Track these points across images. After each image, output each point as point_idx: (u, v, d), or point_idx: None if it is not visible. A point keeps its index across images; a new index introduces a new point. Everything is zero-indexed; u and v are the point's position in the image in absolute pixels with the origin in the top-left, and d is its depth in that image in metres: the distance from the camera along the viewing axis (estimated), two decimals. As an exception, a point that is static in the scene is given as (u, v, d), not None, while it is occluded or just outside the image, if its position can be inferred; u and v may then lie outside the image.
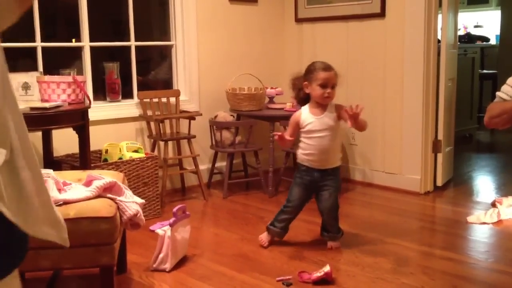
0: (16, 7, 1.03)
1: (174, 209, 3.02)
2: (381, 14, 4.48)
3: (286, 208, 3.31)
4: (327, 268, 2.79)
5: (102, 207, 2.34)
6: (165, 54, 5.01)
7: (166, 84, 4.84)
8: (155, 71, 5.36)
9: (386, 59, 4.50)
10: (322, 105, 3.20)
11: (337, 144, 3.30)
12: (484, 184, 4.94)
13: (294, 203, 3.29)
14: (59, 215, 1.09)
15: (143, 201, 2.70)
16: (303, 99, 3.28)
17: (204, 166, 4.67)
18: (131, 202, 2.57)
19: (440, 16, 4.36)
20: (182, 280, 2.89)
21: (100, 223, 2.28)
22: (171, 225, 2.97)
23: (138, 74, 4.51)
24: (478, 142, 6.79)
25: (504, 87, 2.94)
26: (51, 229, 1.07)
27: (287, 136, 3.24)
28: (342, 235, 3.35)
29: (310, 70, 3.21)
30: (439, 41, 4.39)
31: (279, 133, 3.20)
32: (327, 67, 3.19)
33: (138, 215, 2.57)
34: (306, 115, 3.22)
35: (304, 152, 3.24)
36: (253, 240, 3.40)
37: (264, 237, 3.34)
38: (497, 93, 2.98)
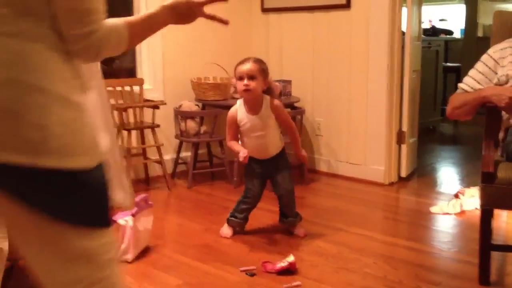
0: (125, 46, 1.36)
1: (136, 199, 2.97)
2: (346, 5, 4.47)
3: (245, 199, 3.31)
4: (291, 258, 2.78)
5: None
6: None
7: (131, 73, 4.76)
8: (120, 59, 5.27)
9: (351, 50, 4.50)
10: (253, 103, 3.17)
11: (275, 137, 3.27)
12: (447, 175, 4.99)
13: (252, 192, 3.28)
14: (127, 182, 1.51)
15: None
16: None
17: (168, 156, 4.62)
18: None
19: (404, 9, 4.37)
20: (144, 271, 2.85)
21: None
22: (133, 215, 2.92)
23: (102, 62, 4.40)
24: (442, 134, 6.88)
25: (466, 79, 2.97)
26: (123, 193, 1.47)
27: (237, 148, 3.18)
28: (301, 219, 3.37)
29: (235, 68, 3.23)
30: (403, 33, 4.41)
31: (245, 155, 3.12)
32: (243, 60, 3.18)
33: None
34: (241, 114, 3.20)
35: (246, 148, 3.20)
36: (217, 230, 3.37)
37: (225, 230, 3.32)
38: (459, 85, 3.01)
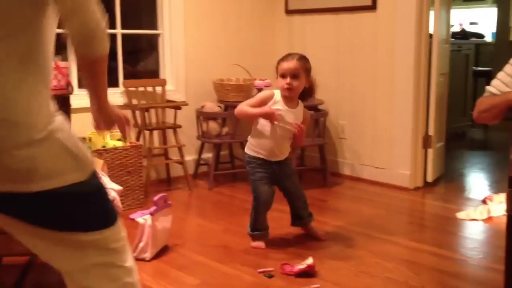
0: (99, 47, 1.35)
1: (155, 198, 2.94)
2: (372, 7, 4.40)
3: (259, 208, 3.14)
4: (310, 261, 2.72)
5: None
6: (155, 44, 4.92)
7: (155, 75, 4.74)
8: (145, 61, 5.28)
9: (377, 53, 4.43)
10: (290, 99, 3.06)
11: (291, 139, 3.15)
12: (475, 181, 4.87)
13: (264, 198, 3.11)
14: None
15: (120, 188, 2.62)
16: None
17: (190, 157, 4.59)
18: (107, 189, 2.48)
19: (432, 11, 4.28)
20: (162, 269, 2.81)
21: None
22: (151, 213, 2.90)
23: (128, 64, 4.43)
24: (471, 139, 6.73)
25: (494, 82, 2.87)
26: None
27: (262, 109, 3.02)
28: (312, 217, 3.29)
29: (277, 63, 3.11)
30: (431, 36, 4.32)
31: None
32: (288, 56, 3.06)
33: (115, 201, 2.48)
34: (278, 101, 3.05)
35: (258, 144, 3.11)
36: (237, 231, 3.32)
37: (255, 243, 3.15)
38: (487, 87, 2.91)
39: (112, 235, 1.41)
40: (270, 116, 2.99)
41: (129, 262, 1.47)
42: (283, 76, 3.02)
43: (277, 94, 3.07)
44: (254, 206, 3.15)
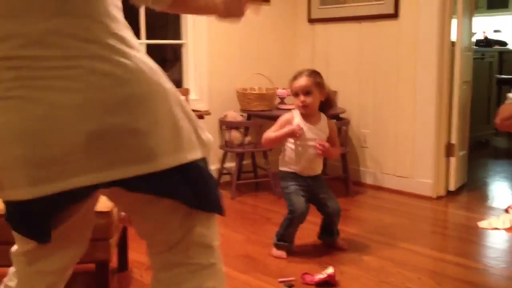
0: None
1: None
2: (395, 15, 4.41)
3: (292, 220, 3.11)
4: (330, 270, 2.73)
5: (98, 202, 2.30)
6: (179, 55, 4.98)
7: (179, 85, 4.80)
8: (171, 71, 5.33)
9: (399, 61, 4.43)
10: (308, 116, 3.11)
11: (319, 156, 3.17)
12: (499, 190, 4.82)
13: (300, 210, 3.10)
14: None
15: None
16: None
17: (213, 167, 4.63)
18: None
19: (455, 19, 4.27)
20: (183, 279, 2.84)
21: (96, 218, 2.23)
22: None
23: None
24: (495, 147, 6.67)
25: (517, 89, 2.86)
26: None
27: (283, 130, 3.11)
28: (339, 234, 3.30)
29: (289, 82, 3.16)
30: (453, 44, 4.31)
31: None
32: (298, 74, 3.11)
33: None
34: (299, 120, 3.11)
35: (291, 159, 3.14)
36: (259, 241, 3.35)
37: (278, 253, 3.14)
38: (508, 95, 2.89)
39: (216, 232, 1.44)
40: (294, 133, 3.05)
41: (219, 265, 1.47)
42: (296, 94, 3.09)
43: (296, 114, 3.14)
44: (288, 218, 3.13)
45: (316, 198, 3.20)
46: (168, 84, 1.31)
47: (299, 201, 3.11)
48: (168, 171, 1.26)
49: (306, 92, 3.05)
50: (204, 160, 1.36)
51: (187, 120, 1.32)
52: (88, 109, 1.16)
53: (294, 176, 3.15)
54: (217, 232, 1.43)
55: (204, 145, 1.36)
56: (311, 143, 3.09)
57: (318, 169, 3.21)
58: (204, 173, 1.35)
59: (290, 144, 3.14)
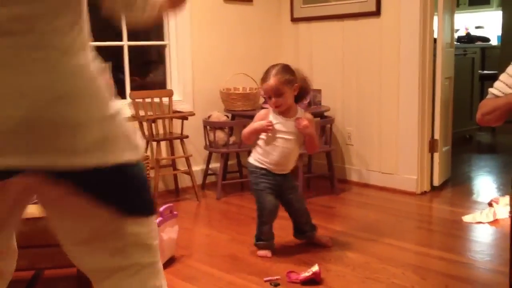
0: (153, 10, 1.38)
1: (161, 209, 2.97)
2: (376, 13, 4.43)
3: (263, 218, 3.14)
4: (315, 268, 2.73)
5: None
6: (163, 56, 4.97)
7: (163, 86, 4.78)
8: (154, 73, 5.32)
9: (382, 58, 4.45)
10: (286, 111, 3.08)
11: (297, 150, 3.17)
12: (482, 184, 4.86)
13: (269, 208, 3.11)
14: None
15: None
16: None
17: (198, 167, 4.62)
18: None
19: (436, 16, 4.30)
20: (168, 280, 2.76)
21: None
22: (157, 225, 2.91)
23: (137, 75, 4.46)
24: (478, 143, 6.72)
25: (497, 83, 2.87)
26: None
27: (257, 124, 3.09)
28: (316, 229, 3.28)
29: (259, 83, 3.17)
30: (435, 41, 4.33)
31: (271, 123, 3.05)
32: (265, 75, 3.05)
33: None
34: (274, 115, 3.08)
35: (263, 154, 3.12)
36: (244, 241, 3.35)
37: (262, 252, 3.15)
38: (490, 90, 2.91)
39: (153, 230, 1.42)
40: (263, 129, 3.05)
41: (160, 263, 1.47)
42: (268, 97, 3.05)
43: (271, 109, 3.11)
44: (259, 216, 3.15)
45: (283, 197, 3.18)
46: (105, 87, 1.33)
47: (269, 199, 3.11)
48: (98, 169, 1.27)
49: (277, 94, 3.01)
50: (136, 162, 1.36)
51: (120, 122, 1.33)
52: (25, 96, 1.19)
53: (264, 172, 3.12)
54: (155, 230, 1.42)
55: (136, 147, 1.37)
56: (284, 136, 3.06)
57: (290, 166, 3.18)
58: (136, 174, 1.36)
59: (262, 135, 3.10)
